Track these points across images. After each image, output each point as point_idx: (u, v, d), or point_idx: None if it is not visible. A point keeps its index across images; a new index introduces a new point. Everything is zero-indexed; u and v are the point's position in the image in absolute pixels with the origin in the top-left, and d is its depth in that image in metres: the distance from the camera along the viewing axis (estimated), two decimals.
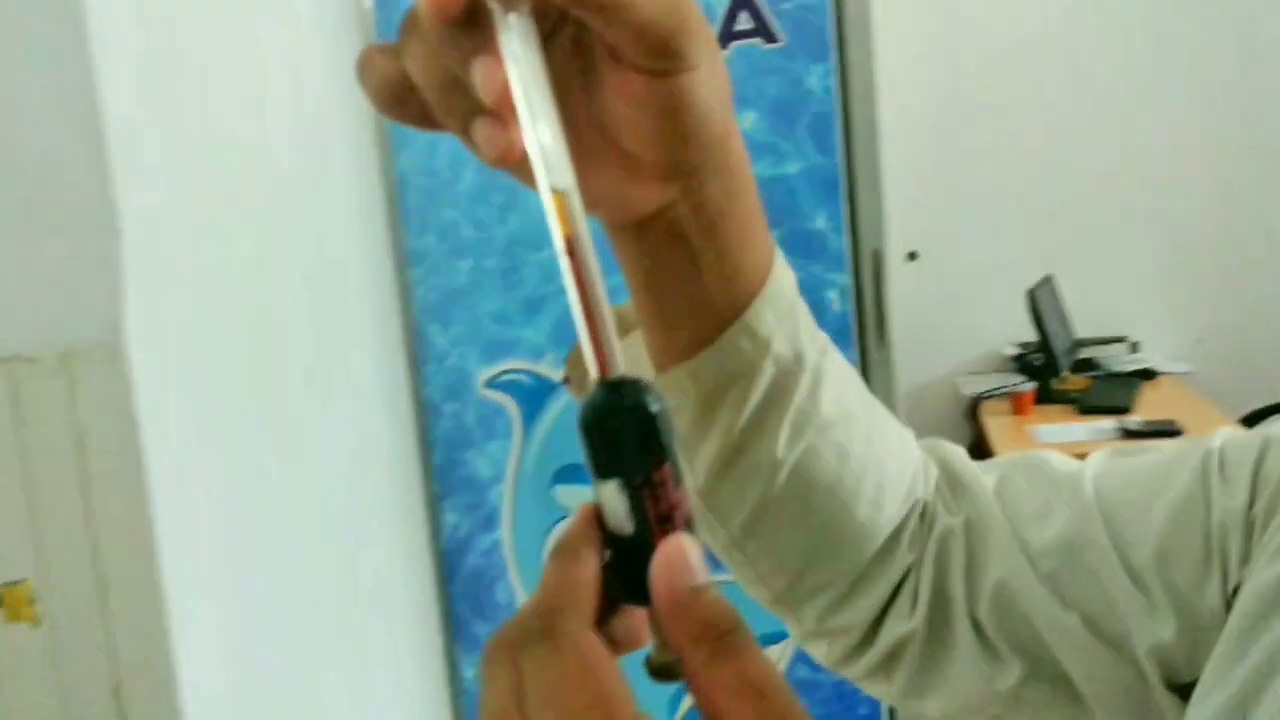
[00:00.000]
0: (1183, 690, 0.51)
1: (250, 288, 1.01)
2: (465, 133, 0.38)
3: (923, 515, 0.58)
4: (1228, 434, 0.53)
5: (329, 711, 1.09)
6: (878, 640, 0.57)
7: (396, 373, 1.45)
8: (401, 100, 0.39)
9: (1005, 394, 3.34)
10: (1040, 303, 3.32)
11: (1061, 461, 0.57)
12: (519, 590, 1.50)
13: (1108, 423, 3.01)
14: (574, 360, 0.56)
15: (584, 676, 0.30)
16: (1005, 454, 0.61)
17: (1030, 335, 3.44)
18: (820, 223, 1.51)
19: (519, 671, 0.30)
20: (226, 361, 0.95)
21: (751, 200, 0.48)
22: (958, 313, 3.78)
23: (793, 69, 1.42)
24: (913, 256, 3.77)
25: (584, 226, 0.34)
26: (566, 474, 1.50)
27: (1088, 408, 3.18)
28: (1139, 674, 0.52)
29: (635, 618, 0.35)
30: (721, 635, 0.30)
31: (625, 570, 0.34)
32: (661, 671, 0.34)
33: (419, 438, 1.48)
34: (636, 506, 0.33)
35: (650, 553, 0.33)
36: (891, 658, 0.57)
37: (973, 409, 3.46)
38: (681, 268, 0.47)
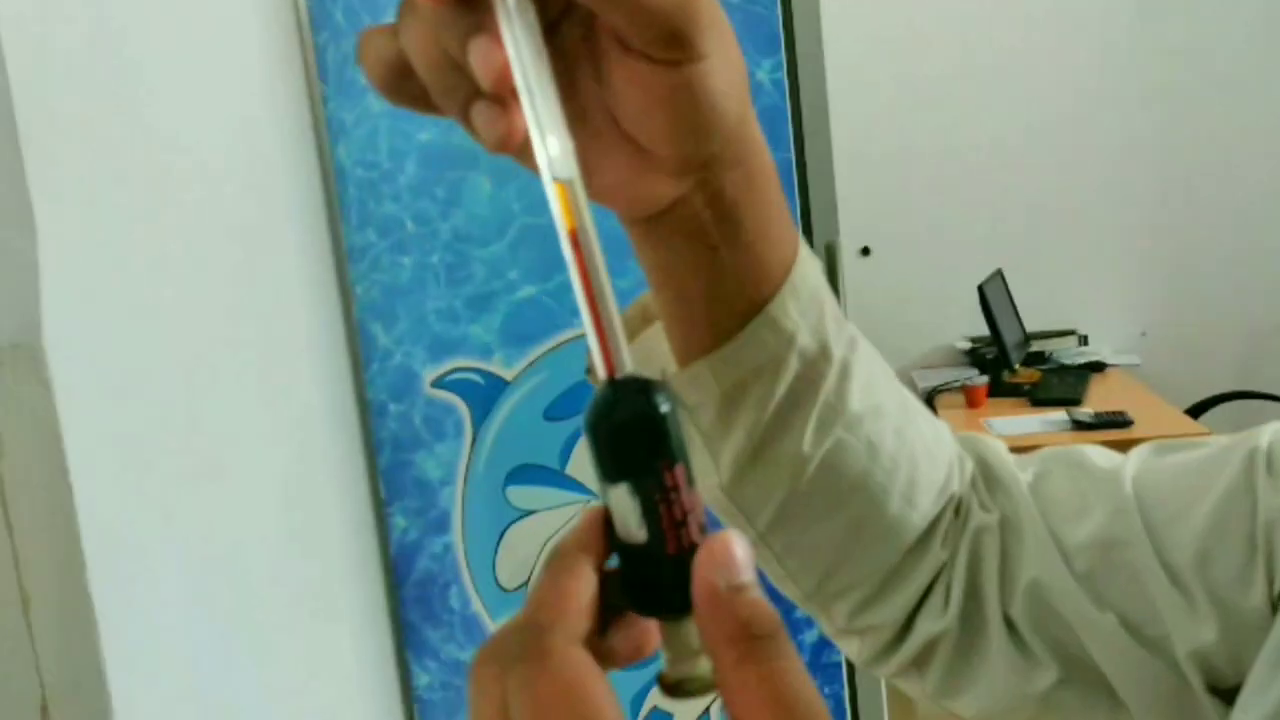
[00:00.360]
0: (1227, 694, 0.49)
1: (179, 285, 0.97)
2: (464, 116, 0.36)
3: (957, 511, 0.57)
4: (1276, 429, 0.51)
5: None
6: (909, 639, 0.56)
7: (339, 373, 1.40)
8: (400, 82, 0.37)
9: (959, 387, 3.36)
10: (990, 297, 3.36)
11: (1103, 456, 0.56)
12: (472, 594, 1.46)
13: (1059, 414, 3.05)
14: None
15: (568, 698, 0.28)
16: (1047, 448, 0.60)
17: (982, 329, 3.47)
18: None
19: (504, 689, 0.29)
20: (154, 363, 0.91)
21: (772, 191, 0.47)
22: (911, 307, 3.81)
23: None
24: (865, 252, 3.79)
25: (589, 218, 0.33)
26: (520, 475, 1.46)
27: (1039, 400, 3.22)
28: (1179, 677, 0.50)
29: (639, 629, 0.33)
30: (756, 638, 0.29)
31: (635, 579, 0.33)
32: (674, 687, 0.33)
33: (364, 440, 1.44)
34: (649, 511, 0.31)
35: (664, 560, 0.31)
36: (923, 656, 0.57)
37: (928, 402, 3.48)
38: (699, 261, 0.46)
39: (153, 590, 0.85)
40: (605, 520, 0.33)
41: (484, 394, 1.45)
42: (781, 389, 0.49)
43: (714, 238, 0.45)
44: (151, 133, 0.95)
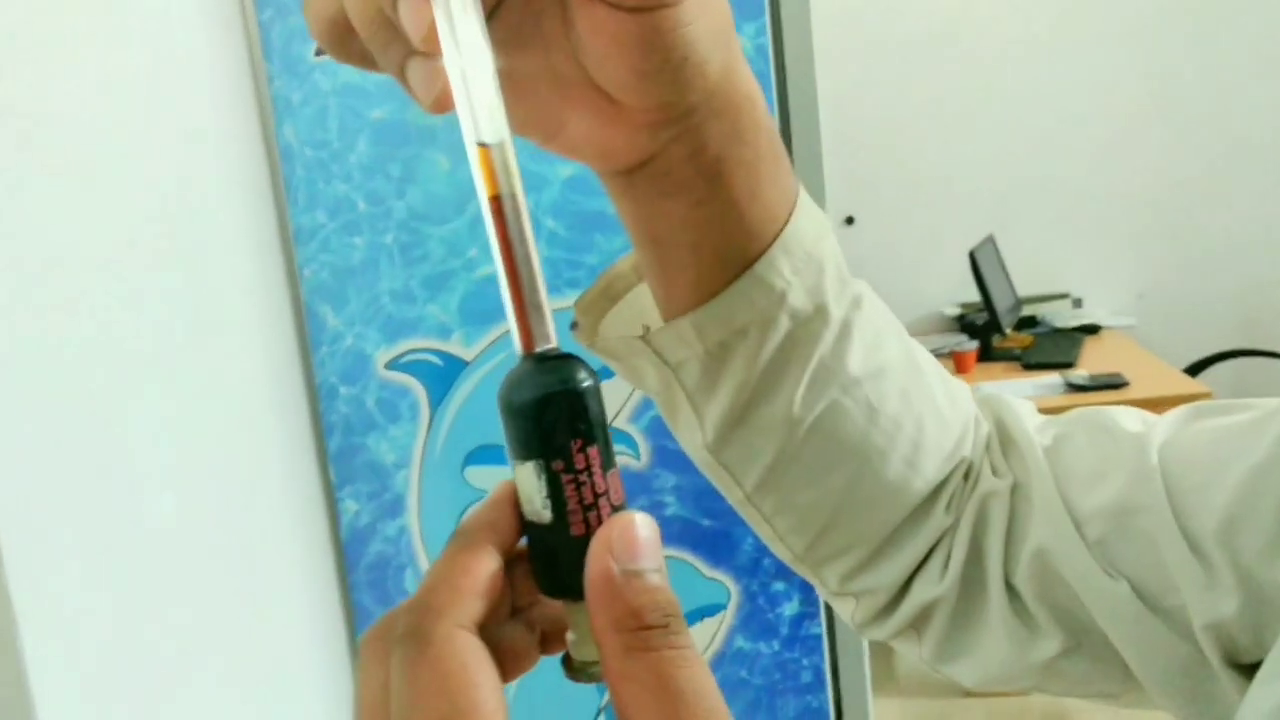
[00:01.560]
0: (1248, 670, 0.46)
1: (117, 270, 0.96)
2: (401, 76, 0.36)
3: (966, 476, 0.55)
4: None
5: (221, 717, 1.04)
6: (905, 603, 0.55)
7: (287, 356, 1.39)
8: (343, 39, 0.37)
9: (949, 353, 3.35)
10: (982, 262, 3.34)
11: (1133, 420, 0.53)
12: None
13: (1053, 378, 3.04)
14: (584, 306, 0.54)
15: (446, 685, 0.28)
16: (1076, 410, 0.57)
17: (972, 295, 3.45)
18: None
19: (387, 670, 0.29)
20: (91, 349, 0.90)
21: (762, 143, 0.44)
22: (899, 275, 3.81)
23: None
24: (849, 221, 3.77)
25: (517, 183, 0.32)
26: (480, 455, 1.45)
27: (1031, 364, 3.21)
28: (1195, 649, 0.48)
29: (558, 610, 0.33)
30: (645, 626, 0.28)
31: (540, 560, 0.32)
32: (578, 671, 0.32)
33: (313, 424, 1.43)
34: (555, 492, 0.31)
35: (568, 541, 0.31)
36: (920, 621, 0.56)
37: None
38: (682, 218, 0.44)
39: (80, 585, 0.84)
40: (515, 498, 0.32)
41: (441, 375, 1.43)
42: (770, 349, 0.48)
43: (697, 193, 0.43)
44: (84, 113, 0.94)
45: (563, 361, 0.31)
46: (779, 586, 1.51)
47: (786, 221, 0.46)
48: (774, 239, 0.46)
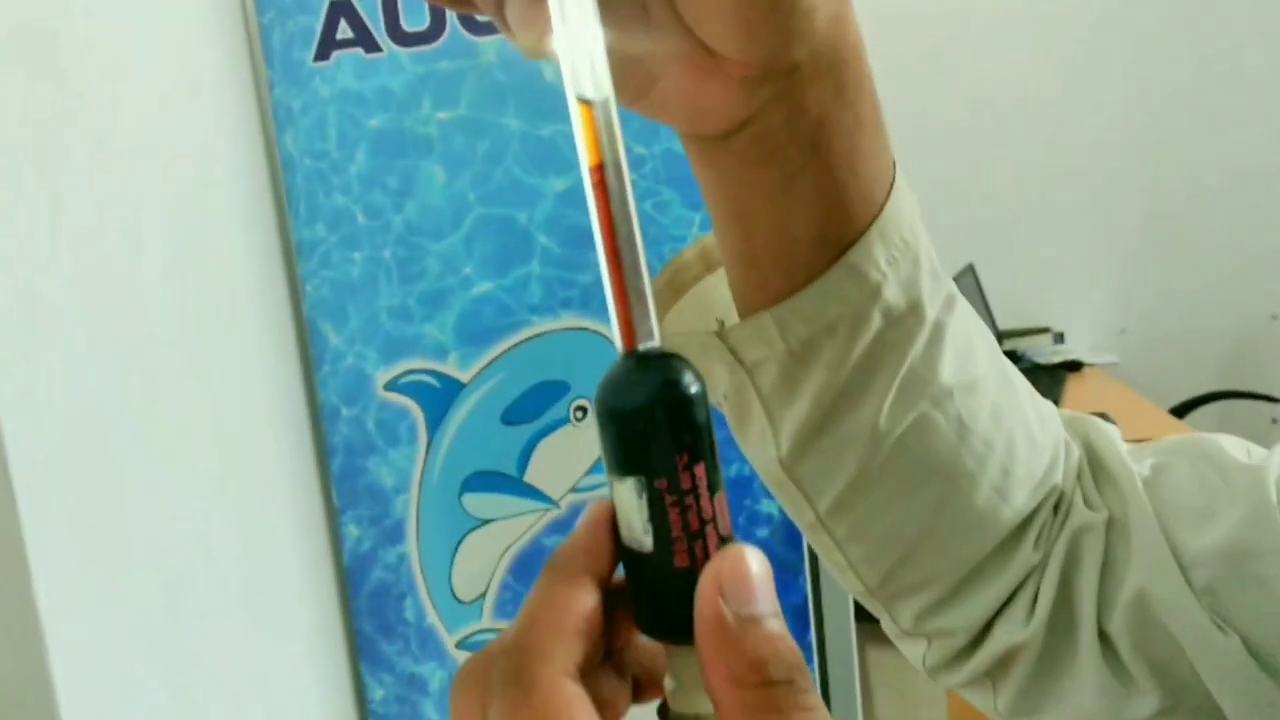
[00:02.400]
0: None
1: (118, 284, 0.98)
2: (498, 15, 0.35)
3: (1056, 507, 0.53)
4: None
5: None
6: (984, 647, 0.52)
7: (290, 375, 1.42)
8: None
9: None
10: (962, 291, 3.38)
11: (1241, 449, 0.51)
12: (428, 606, 1.48)
13: None
14: (660, 287, 0.51)
15: None
16: (1171, 437, 0.54)
17: None
18: None
19: (485, 713, 0.28)
20: (95, 365, 0.92)
21: (866, 108, 0.42)
22: None
23: None
24: None
25: (620, 149, 0.29)
26: (476, 482, 1.48)
27: None
28: None
29: (654, 655, 0.32)
30: (769, 683, 0.26)
31: (639, 596, 0.30)
32: None
33: (315, 446, 1.45)
34: (657, 515, 0.28)
35: (669, 575, 0.28)
36: (999, 669, 0.52)
37: None
38: (772, 191, 0.42)
39: (99, 601, 0.87)
40: (612, 521, 0.30)
41: (438, 397, 1.46)
42: (859, 350, 0.45)
43: (792, 163, 0.41)
44: (83, 117, 0.95)
45: (668, 362, 0.28)
46: None
47: (884, 203, 0.44)
48: (870, 222, 0.43)
